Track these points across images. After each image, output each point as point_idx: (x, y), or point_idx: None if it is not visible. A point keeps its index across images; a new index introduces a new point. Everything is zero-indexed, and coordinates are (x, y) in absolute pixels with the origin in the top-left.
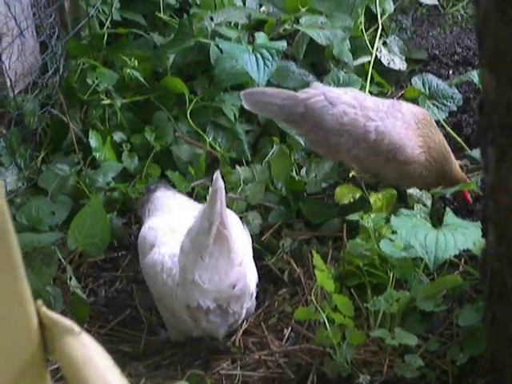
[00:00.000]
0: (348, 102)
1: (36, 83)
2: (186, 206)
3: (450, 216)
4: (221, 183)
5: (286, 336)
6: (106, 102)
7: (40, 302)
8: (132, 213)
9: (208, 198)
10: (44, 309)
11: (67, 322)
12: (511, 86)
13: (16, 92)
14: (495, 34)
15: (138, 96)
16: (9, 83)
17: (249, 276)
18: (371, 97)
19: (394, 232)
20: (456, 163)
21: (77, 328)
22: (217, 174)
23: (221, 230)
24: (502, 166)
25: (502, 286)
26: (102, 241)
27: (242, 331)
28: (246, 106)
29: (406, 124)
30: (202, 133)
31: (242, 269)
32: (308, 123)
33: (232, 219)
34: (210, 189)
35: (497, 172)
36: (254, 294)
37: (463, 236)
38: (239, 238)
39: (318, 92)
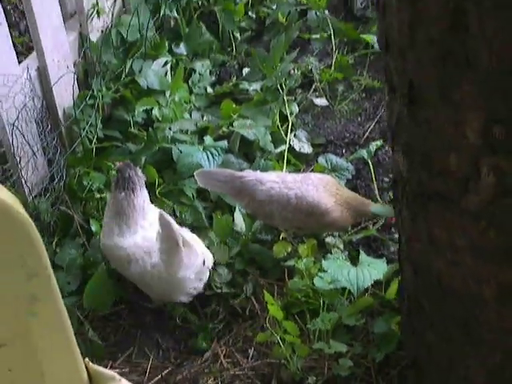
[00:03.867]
0: (273, 179)
1: (47, 189)
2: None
3: (363, 256)
4: (167, 217)
5: (251, 354)
6: (98, 196)
7: (86, 358)
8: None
9: (162, 231)
10: (90, 362)
11: (109, 371)
12: (420, 167)
13: (33, 196)
14: (407, 131)
15: None
16: (27, 191)
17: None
18: (290, 174)
19: (321, 270)
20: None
21: (117, 376)
22: (160, 212)
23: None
24: (414, 223)
25: (419, 307)
26: (107, 299)
27: (222, 355)
28: (199, 184)
29: (316, 187)
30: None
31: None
32: (246, 198)
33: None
34: (160, 224)
35: (411, 227)
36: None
37: (375, 270)
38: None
39: (251, 174)
